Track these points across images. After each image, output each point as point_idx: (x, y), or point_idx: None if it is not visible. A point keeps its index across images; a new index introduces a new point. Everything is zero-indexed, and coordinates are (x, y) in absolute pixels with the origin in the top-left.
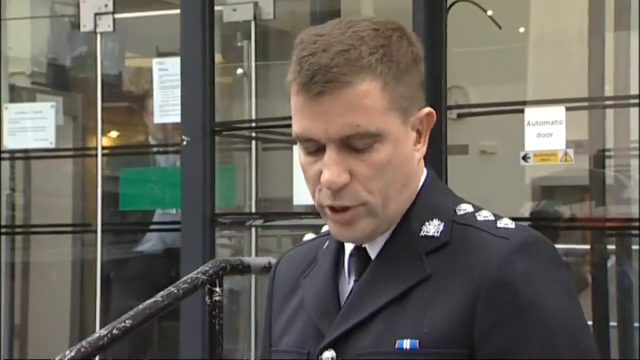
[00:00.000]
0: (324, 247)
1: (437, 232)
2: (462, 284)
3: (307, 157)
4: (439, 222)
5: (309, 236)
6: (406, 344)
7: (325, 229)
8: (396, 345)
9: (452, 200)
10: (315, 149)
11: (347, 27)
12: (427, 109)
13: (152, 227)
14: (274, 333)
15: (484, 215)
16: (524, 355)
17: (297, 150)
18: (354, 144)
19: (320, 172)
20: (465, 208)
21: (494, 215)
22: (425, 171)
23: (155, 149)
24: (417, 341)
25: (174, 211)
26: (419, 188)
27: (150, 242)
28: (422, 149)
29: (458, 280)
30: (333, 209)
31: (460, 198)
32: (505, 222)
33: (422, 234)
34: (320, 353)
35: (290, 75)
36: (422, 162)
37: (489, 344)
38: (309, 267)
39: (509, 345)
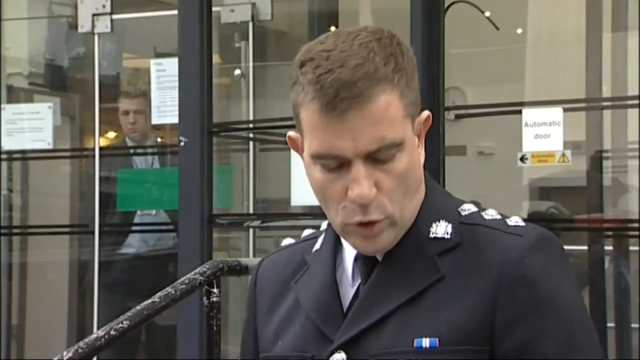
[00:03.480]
0: (313, 250)
1: (447, 233)
2: (480, 282)
3: (328, 174)
4: (446, 223)
5: (288, 241)
6: (425, 342)
7: (306, 233)
8: (415, 344)
9: (454, 202)
10: (337, 165)
11: (350, 39)
12: (427, 113)
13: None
14: (263, 339)
15: (491, 214)
16: (546, 349)
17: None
18: (378, 156)
19: (345, 189)
20: (468, 208)
21: (500, 214)
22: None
23: (151, 150)
24: (437, 339)
25: (153, 212)
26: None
27: (134, 247)
28: (422, 152)
29: (474, 278)
30: (361, 224)
31: (460, 199)
32: (516, 220)
33: (430, 235)
34: (330, 356)
35: (307, 95)
36: None
37: (511, 338)
38: (298, 270)
39: (530, 340)
